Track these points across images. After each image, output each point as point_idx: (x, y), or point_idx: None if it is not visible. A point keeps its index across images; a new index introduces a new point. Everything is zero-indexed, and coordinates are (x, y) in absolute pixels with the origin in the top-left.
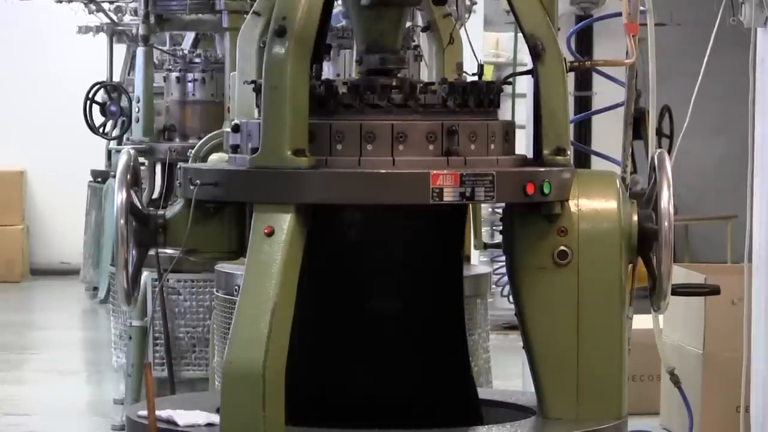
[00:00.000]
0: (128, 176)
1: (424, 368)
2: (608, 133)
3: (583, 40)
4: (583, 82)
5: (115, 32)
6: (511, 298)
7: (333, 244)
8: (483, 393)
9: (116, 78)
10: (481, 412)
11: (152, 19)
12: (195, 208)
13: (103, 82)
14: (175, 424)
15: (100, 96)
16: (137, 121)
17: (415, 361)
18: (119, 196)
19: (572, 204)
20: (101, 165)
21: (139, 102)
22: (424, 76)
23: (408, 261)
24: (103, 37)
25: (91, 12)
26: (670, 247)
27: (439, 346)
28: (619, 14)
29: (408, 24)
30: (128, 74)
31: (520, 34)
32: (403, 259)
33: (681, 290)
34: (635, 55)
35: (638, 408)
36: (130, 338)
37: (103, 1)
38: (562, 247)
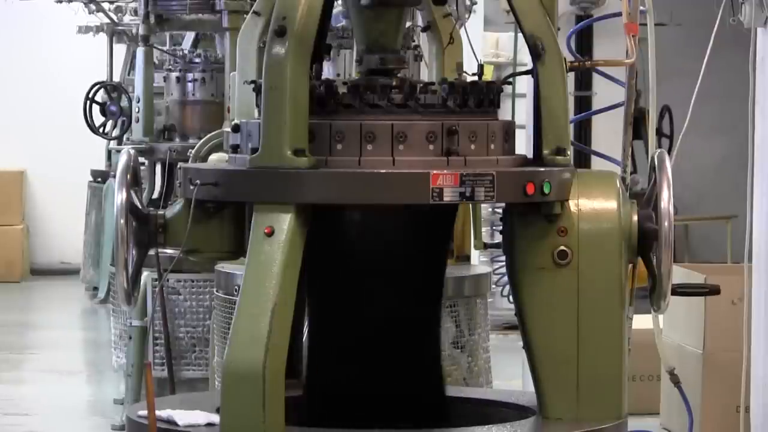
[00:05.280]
0: (128, 176)
1: (405, 365)
2: (608, 133)
3: (583, 40)
4: (583, 82)
5: (115, 32)
6: (511, 298)
7: (324, 242)
8: (483, 393)
9: (116, 78)
10: (448, 407)
11: (152, 19)
12: (195, 208)
13: (103, 82)
14: (175, 424)
15: (100, 96)
16: (137, 121)
17: (397, 358)
18: (119, 196)
19: (572, 204)
20: (101, 165)
21: (139, 102)
22: (424, 76)
23: (395, 258)
24: (103, 37)
25: (91, 12)
26: (670, 247)
27: (418, 342)
28: (619, 14)
29: (408, 24)
30: (128, 74)
31: (520, 34)
32: (391, 257)
33: (681, 290)
34: (635, 55)
35: (638, 408)
36: (130, 338)
37: (103, 1)
38: (562, 247)
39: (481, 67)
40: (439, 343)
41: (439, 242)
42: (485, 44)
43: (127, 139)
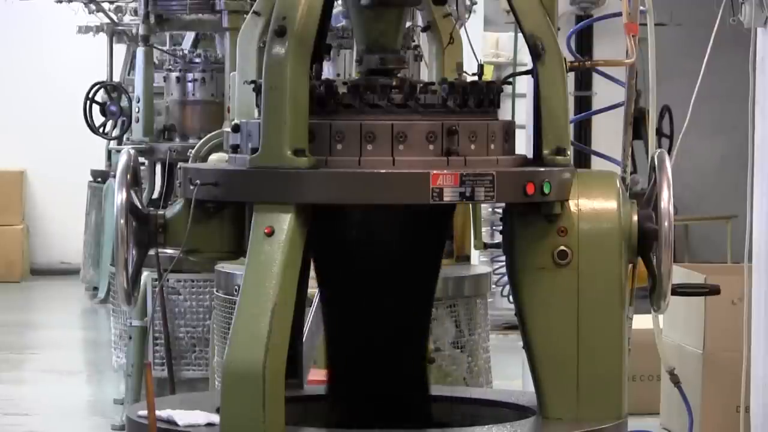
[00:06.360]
0: (128, 176)
1: (395, 363)
2: (608, 133)
3: (583, 40)
4: (583, 82)
5: (115, 32)
6: (511, 298)
7: (324, 241)
8: (483, 393)
9: (116, 78)
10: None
11: (152, 19)
12: (195, 208)
13: (103, 82)
14: (175, 424)
15: (100, 96)
16: (137, 121)
17: (389, 356)
18: (119, 196)
19: (572, 204)
20: (101, 165)
21: (139, 102)
22: (424, 76)
23: (392, 257)
24: (103, 37)
25: (91, 12)
26: (670, 247)
27: (407, 341)
28: (619, 14)
29: (408, 24)
30: (128, 74)
31: (520, 34)
32: (387, 256)
33: (681, 290)
34: (635, 55)
35: (638, 408)
36: (130, 338)
37: (103, 1)
38: (562, 247)
39: (481, 67)
40: (426, 343)
41: (432, 243)
42: (485, 44)
43: (127, 139)
